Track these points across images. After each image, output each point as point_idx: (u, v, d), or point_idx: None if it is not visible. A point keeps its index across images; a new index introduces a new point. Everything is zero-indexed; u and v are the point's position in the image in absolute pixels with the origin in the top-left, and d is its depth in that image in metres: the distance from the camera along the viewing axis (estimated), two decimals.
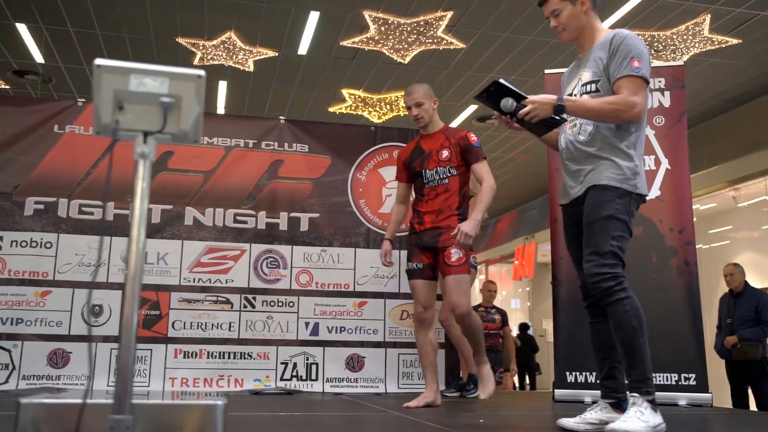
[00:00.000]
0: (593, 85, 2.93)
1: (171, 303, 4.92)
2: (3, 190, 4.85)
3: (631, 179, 2.83)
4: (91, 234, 4.88)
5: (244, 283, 5.09)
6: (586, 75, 2.98)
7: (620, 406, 2.88)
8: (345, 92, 9.84)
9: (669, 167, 4.63)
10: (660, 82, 4.75)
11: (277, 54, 8.62)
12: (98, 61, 1.65)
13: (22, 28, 8.16)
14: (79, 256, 4.83)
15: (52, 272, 4.79)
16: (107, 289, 4.81)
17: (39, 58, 8.89)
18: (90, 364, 4.58)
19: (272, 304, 5.11)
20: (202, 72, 1.72)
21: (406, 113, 5.70)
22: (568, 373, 4.52)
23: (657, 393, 2.74)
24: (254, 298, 5.08)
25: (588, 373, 4.44)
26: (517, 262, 15.89)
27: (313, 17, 7.73)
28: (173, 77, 1.69)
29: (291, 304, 5.13)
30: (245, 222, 5.20)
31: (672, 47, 8.13)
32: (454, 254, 3.95)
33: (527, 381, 13.26)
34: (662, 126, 4.69)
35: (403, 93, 8.78)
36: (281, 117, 5.48)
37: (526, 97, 2.81)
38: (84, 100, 5.18)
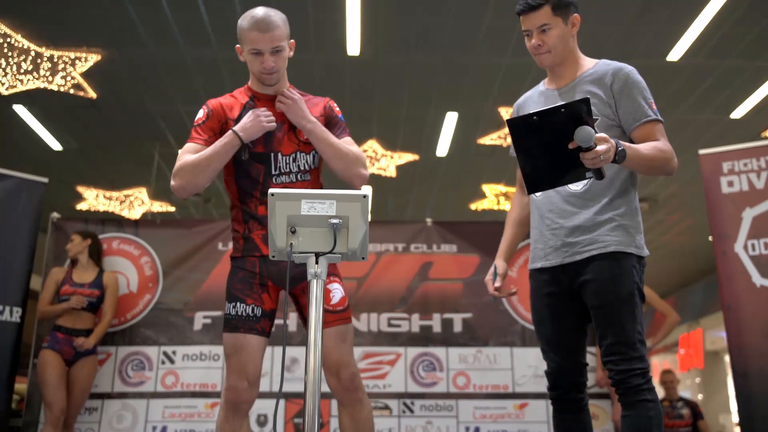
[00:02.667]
0: None
1: (331, 410, 4.96)
2: (175, 306, 5.19)
3: (639, 240, 2.42)
4: None
5: (402, 388, 5.06)
6: None
7: None
8: (486, 188, 9.88)
9: None
10: None
11: (417, 157, 8.86)
12: (272, 190, 1.76)
13: None
14: None
15: (219, 384, 4.99)
16: (267, 398, 4.93)
17: None
18: None
19: (431, 408, 5.02)
20: (366, 192, 1.78)
21: None
22: None
23: None
24: (412, 403, 5.03)
25: None
26: (682, 351, 14.83)
27: (451, 118, 7.93)
28: (340, 199, 1.76)
29: (450, 408, 5.02)
30: (399, 326, 5.22)
31: None
32: (336, 292, 2.60)
33: None
34: None
35: None
36: (428, 219, 5.57)
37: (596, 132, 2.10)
38: None
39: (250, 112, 2.52)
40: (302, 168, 2.61)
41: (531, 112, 2.13)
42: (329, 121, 2.72)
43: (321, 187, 2.70)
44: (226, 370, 2.58)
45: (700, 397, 16.38)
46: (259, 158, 2.57)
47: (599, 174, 2.16)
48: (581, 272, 2.41)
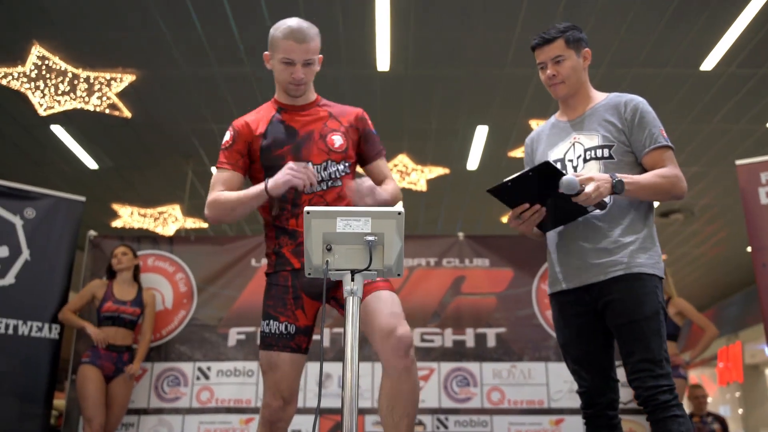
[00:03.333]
0: (605, 150, 2.53)
1: (365, 426, 4.95)
2: (209, 323, 5.23)
3: (659, 263, 2.49)
4: None
5: (435, 403, 5.03)
6: (590, 139, 2.58)
7: None
8: None
9: None
10: None
11: (448, 171, 8.85)
12: (308, 208, 1.77)
13: None
14: None
15: (254, 399, 5.01)
16: (300, 414, 4.93)
17: None
18: None
19: (465, 424, 4.98)
20: (401, 209, 1.78)
21: None
22: None
23: None
24: (446, 419, 4.99)
25: None
26: (721, 364, 14.53)
27: (481, 131, 7.91)
28: (375, 216, 1.77)
29: (485, 424, 4.97)
30: (432, 341, 5.20)
31: None
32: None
33: None
34: None
35: None
36: (460, 233, 5.54)
37: (564, 176, 2.28)
38: None
39: (286, 166, 2.45)
40: (333, 176, 2.58)
41: (505, 180, 2.36)
42: (364, 136, 2.70)
43: None
44: (263, 387, 2.57)
45: (740, 411, 16.01)
46: None
47: (600, 206, 2.39)
48: (606, 292, 2.46)
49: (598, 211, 2.45)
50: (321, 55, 2.65)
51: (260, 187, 2.46)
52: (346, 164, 2.62)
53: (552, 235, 2.67)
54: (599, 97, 2.66)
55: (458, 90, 7.09)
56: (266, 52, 2.64)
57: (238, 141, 2.61)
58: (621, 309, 2.42)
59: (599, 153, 2.53)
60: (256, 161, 2.61)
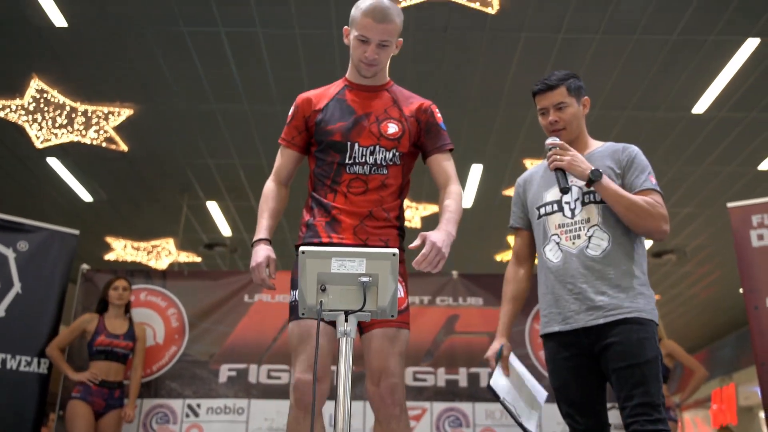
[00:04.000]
0: (598, 195, 2.54)
1: None
2: (200, 358, 5.19)
3: (655, 309, 2.51)
4: (279, 399, 5.03)
5: None
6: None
7: None
8: (511, 239, 9.85)
9: None
10: None
11: None
12: (303, 248, 1.78)
13: (212, 206, 9.06)
14: (268, 420, 4.98)
15: None
16: None
17: (227, 231, 9.76)
18: None
19: None
20: (395, 250, 1.79)
21: None
22: None
23: None
24: None
25: None
26: (715, 406, 14.42)
27: (476, 170, 7.97)
28: (370, 257, 1.77)
29: None
30: (425, 380, 5.16)
31: None
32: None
33: None
34: None
35: None
36: (454, 272, 5.54)
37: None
38: None
39: (253, 266, 2.43)
40: (379, 162, 2.52)
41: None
42: (426, 128, 2.61)
43: (401, 185, 2.60)
44: (292, 365, 2.41)
45: None
46: (335, 147, 2.52)
47: (564, 190, 2.51)
48: (605, 335, 2.45)
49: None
50: (401, 39, 2.58)
51: (256, 238, 2.50)
52: (397, 153, 2.54)
53: (545, 275, 2.65)
54: (595, 144, 2.72)
55: (454, 129, 7.11)
56: (345, 27, 2.59)
57: (297, 116, 2.62)
58: (621, 352, 2.40)
59: (597, 197, 2.53)
60: (312, 135, 2.60)
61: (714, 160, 7.56)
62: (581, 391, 2.53)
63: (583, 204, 2.56)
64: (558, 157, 2.53)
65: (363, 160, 2.51)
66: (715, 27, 5.56)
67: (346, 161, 2.50)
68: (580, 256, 2.52)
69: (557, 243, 2.58)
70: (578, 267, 2.52)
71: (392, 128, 2.54)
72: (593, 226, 2.53)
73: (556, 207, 2.62)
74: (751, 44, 5.74)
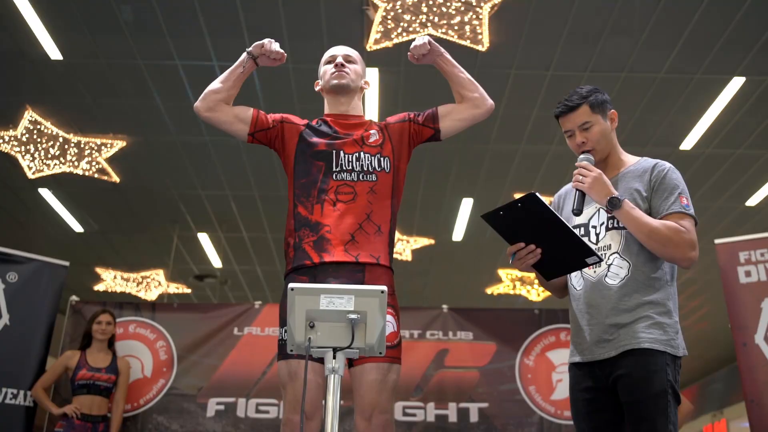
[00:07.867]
0: None
1: None
2: (188, 392, 5.14)
3: (675, 340, 2.35)
4: None
5: None
6: None
7: None
8: (501, 272, 9.87)
9: None
10: None
11: (433, 242, 8.90)
12: (291, 285, 1.79)
13: (203, 238, 9.06)
14: None
15: None
16: None
17: (217, 263, 9.74)
18: None
19: None
20: (384, 287, 1.80)
21: None
22: None
23: None
24: None
25: None
26: None
27: (467, 204, 8.01)
28: (358, 294, 1.79)
29: None
30: (414, 414, 5.13)
31: None
32: (386, 326, 2.06)
33: None
34: None
35: None
36: (444, 306, 5.54)
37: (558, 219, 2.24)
38: (260, 302, 5.54)
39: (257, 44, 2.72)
40: (366, 168, 2.53)
41: (497, 207, 2.23)
42: (414, 125, 2.74)
43: (392, 193, 2.59)
44: (282, 405, 2.41)
45: None
46: (320, 156, 2.54)
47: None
48: (615, 367, 2.37)
49: (595, 258, 2.29)
50: (367, 80, 2.83)
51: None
52: (383, 159, 2.58)
53: (572, 304, 2.57)
54: (630, 160, 2.58)
55: (445, 163, 7.21)
56: (316, 80, 2.82)
57: (283, 119, 2.71)
58: (628, 385, 2.33)
59: (621, 222, 2.41)
60: (292, 146, 2.63)
61: (702, 196, 7.64)
62: (594, 425, 2.46)
63: (608, 230, 2.47)
64: (580, 177, 2.41)
65: (350, 167, 2.52)
66: (701, 65, 5.67)
67: (333, 168, 2.52)
68: (598, 285, 2.44)
69: (581, 270, 2.49)
70: (596, 297, 2.44)
71: (373, 136, 2.62)
72: (614, 253, 2.43)
73: (582, 231, 2.53)
74: (737, 83, 5.85)
